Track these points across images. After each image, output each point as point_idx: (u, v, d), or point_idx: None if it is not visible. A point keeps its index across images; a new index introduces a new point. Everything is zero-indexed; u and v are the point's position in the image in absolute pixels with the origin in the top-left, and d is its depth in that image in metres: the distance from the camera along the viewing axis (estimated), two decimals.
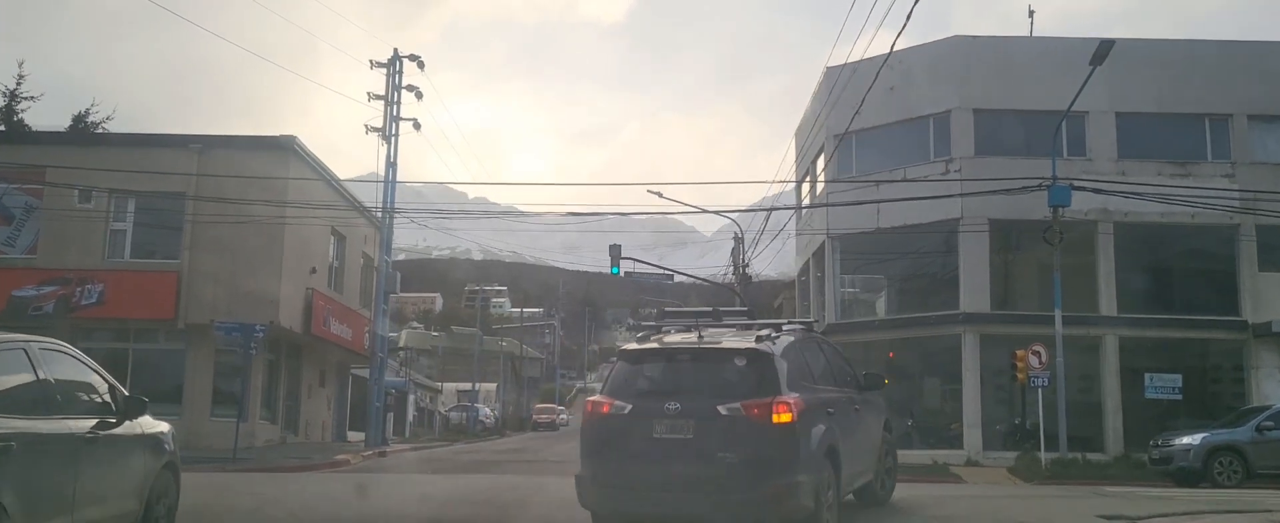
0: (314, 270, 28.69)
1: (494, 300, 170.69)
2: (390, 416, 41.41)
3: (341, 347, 32.00)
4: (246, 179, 25.48)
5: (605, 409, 8.74)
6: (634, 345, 9.38)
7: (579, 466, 9.02)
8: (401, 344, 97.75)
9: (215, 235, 25.94)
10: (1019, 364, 22.70)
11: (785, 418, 8.11)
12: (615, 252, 31.16)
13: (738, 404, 8.18)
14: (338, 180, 29.87)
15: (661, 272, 32.19)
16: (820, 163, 30.62)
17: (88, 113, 33.13)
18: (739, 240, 35.87)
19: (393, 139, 31.14)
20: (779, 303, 38.91)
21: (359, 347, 34.55)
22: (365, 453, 27.33)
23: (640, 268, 31.66)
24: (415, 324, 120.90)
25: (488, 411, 57.20)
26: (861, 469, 10.34)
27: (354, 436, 35.38)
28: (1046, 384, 22.33)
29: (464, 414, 55.11)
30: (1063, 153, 25.91)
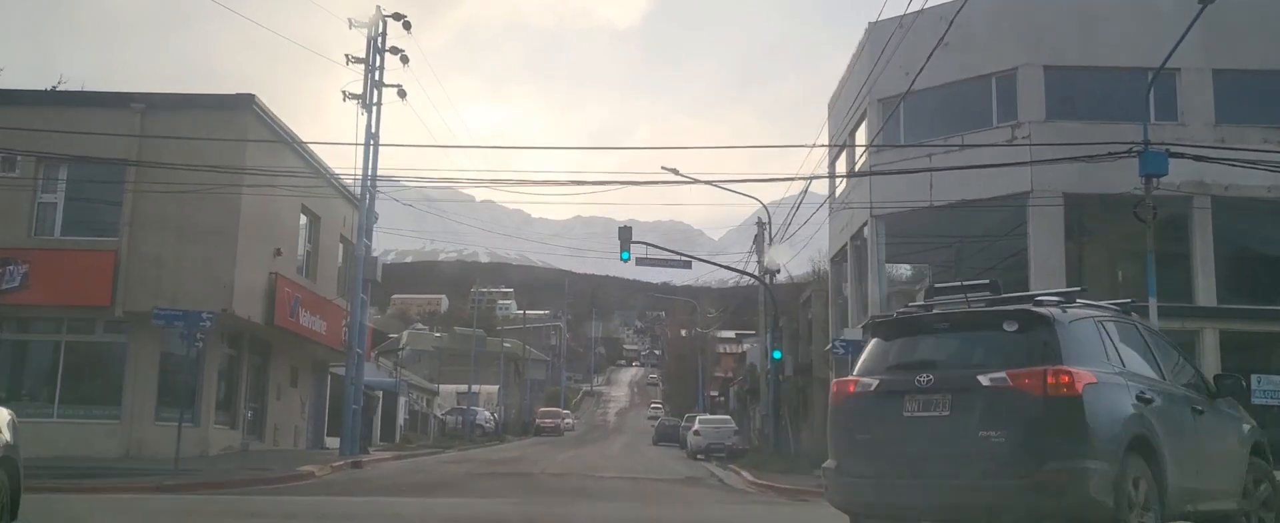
0: (279, 252, 24.67)
1: (500, 302, 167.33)
2: (376, 419, 37.42)
3: (316, 342, 27.98)
4: (197, 142, 21.52)
5: (851, 389, 7.78)
6: (884, 317, 8.53)
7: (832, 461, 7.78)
8: (403, 344, 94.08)
9: (160, 209, 21.97)
10: None
11: (1066, 390, 6.72)
12: (625, 236, 27.14)
13: (1003, 373, 6.93)
14: (308, 148, 25.81)
15: (676, 258, 28.14)
16: (861, 134, 26.58)
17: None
18: (764, 226, 31.78)
19: (374, 107, 27.18)
20: (806, 297, 34.78)
21: (337, 342, 30.61)
22: (337, 463, 23.29)
23: (653, 254, 27.64)
24: (420, 325, 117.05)
25: (487, 414, 53.20)
26: (1210, 489, 8.14)
27: (334, 442, 31.32)
28: None
29: (459, 418, 51.06)
30: (1150, 117, 21.83)
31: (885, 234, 24.71)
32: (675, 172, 28.63)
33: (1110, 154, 18.95)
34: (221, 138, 21.97)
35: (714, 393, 74.11)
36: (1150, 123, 21.02)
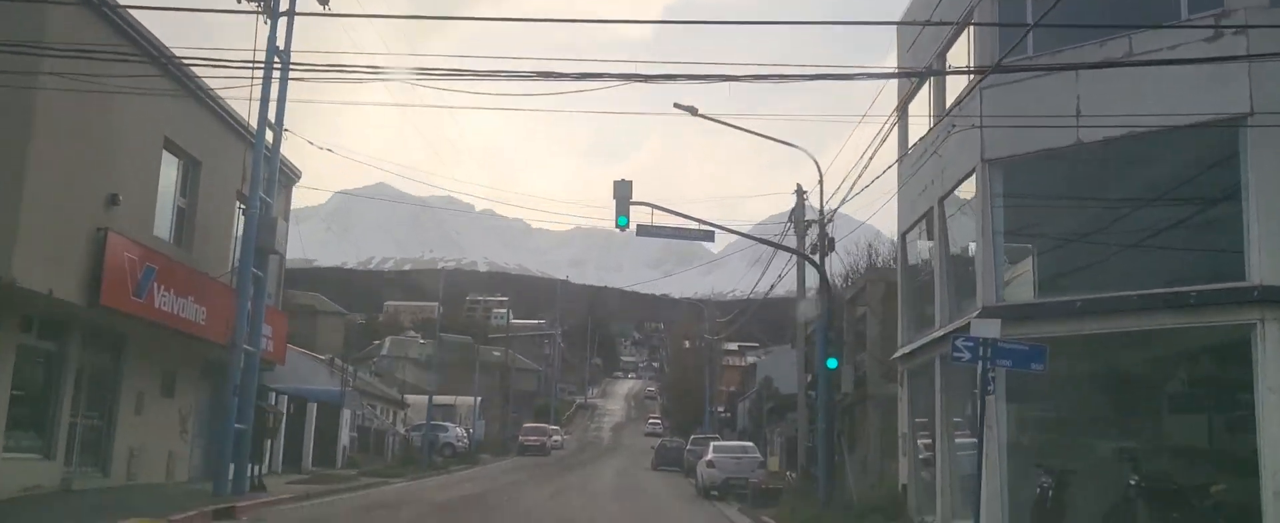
0: (116, 200, 16.53)
1: (495, 311, 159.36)
2: (306, 438, 29.20)
3: (199, 337, 19.85)
4: None
5: None
6: None
7: None
8: (384, 352, 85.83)
9: None
10: None
11: None
12: (623, 193, 19.03)
13: None
14: (169, 52, 17.62)
15: (687, 225, 19.96)
16: (956, 52, 18.50)
17: None
18: (802, 196, 23.62)
19: (283, 18, 19.12)
20: (856, 293, 26.52)
21: (279, 356, 22.83)
22: (189, 515, 15.16)
23: (660, 219, 19.47)
24: (412, 333, 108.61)
25: (460, 431, 44.99)
26: None
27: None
28: None
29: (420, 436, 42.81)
30: None
31: (1002, 184, 16.52)
32: (692, 111, 20.64)
33: None
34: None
35: (720, 408, 65.86)
36: None
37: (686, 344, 78.15)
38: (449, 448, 43.29)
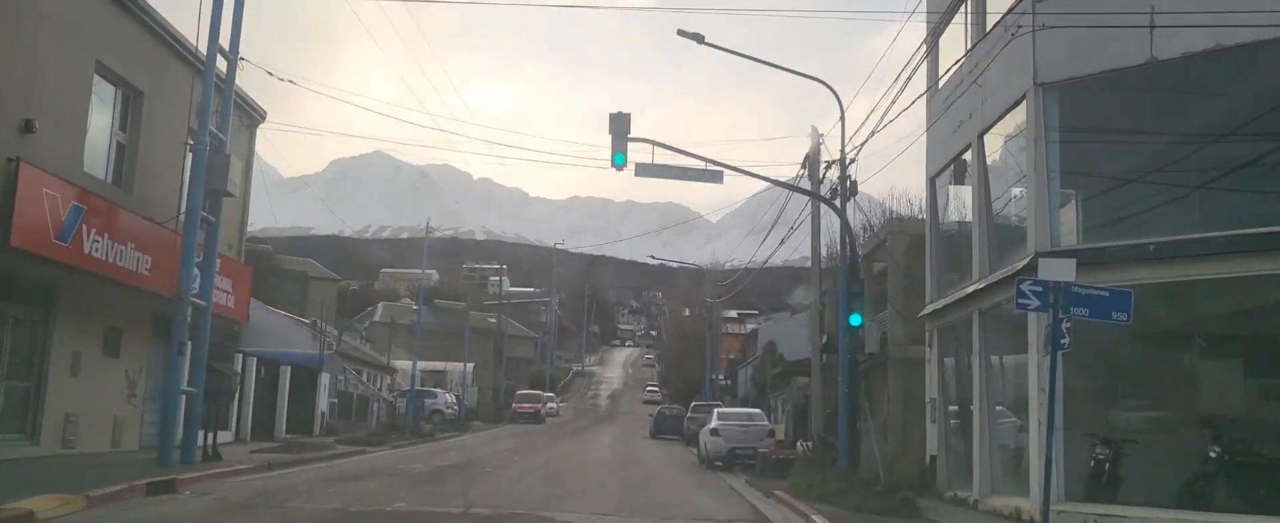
0: (30, 127, 14.21)
1: (491, 279, 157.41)
2: (280, 404, 27.06)
3: (147, 290, 17.61)
4: None
5: None
6: None
7: None
8: (376, 317, 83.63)
9: None
10: None
11: None
12: (619, 127, 16.69)
13: None
14: None
15: (693, 163, 17.61)
16: None
17: None
18: (819, 139, 21.26)
19: None
20: (876, 247, 24.22)
21: (240, 313, 20.67)
22: (133, 483, 13.02)
23: (661, 156, 17.13)
24: (407, 300, 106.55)
25: (450, 398, 42.84)
26: None
27: (225, 437, 21.16)
28: None
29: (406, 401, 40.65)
30: None
31: (1059, 115, 14.17)
32: (697, 38, 18.31)
33: None
34: None
35: (720, 376, 63.82)
36: None
37: (686, 312, 76.01)
38: (438, 415, 41.19)
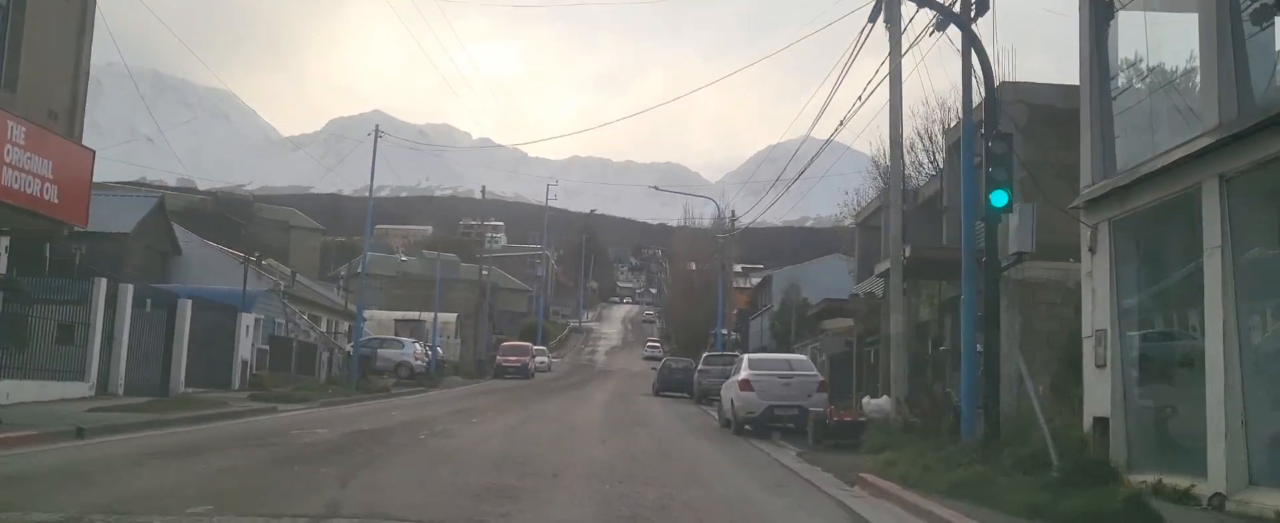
0: None
1: (490, 235, 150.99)
2: (178, 348, 20.40)
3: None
4: None
5: None
6: None
7: None
8: (360, 269, 77.10)
9: None
10: None
11: None
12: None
13: None
14: None
15: None
16: None
17: None
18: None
19: None
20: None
21: (75, 211, 14.05)
22: None
23: None
24: (403, 257, 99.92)
25: (419, 349, 36.22)
26: None
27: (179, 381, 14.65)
28: None
29: (373, 352, 34.00)
30: None
31: None
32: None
33: None
34: None
35: (725, 331, 57.18)
36: None
37: (692, 266, 69.08)
38: (406, 368, 34.53)
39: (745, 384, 17.77)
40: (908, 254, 14.78)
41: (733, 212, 39.30)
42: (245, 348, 23.86)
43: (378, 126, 33.09)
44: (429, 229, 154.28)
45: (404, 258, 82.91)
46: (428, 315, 50.84)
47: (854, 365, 24.17)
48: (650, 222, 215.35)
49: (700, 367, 31.30)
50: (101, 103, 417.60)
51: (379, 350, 34.85)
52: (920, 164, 25.88)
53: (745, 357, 18.93)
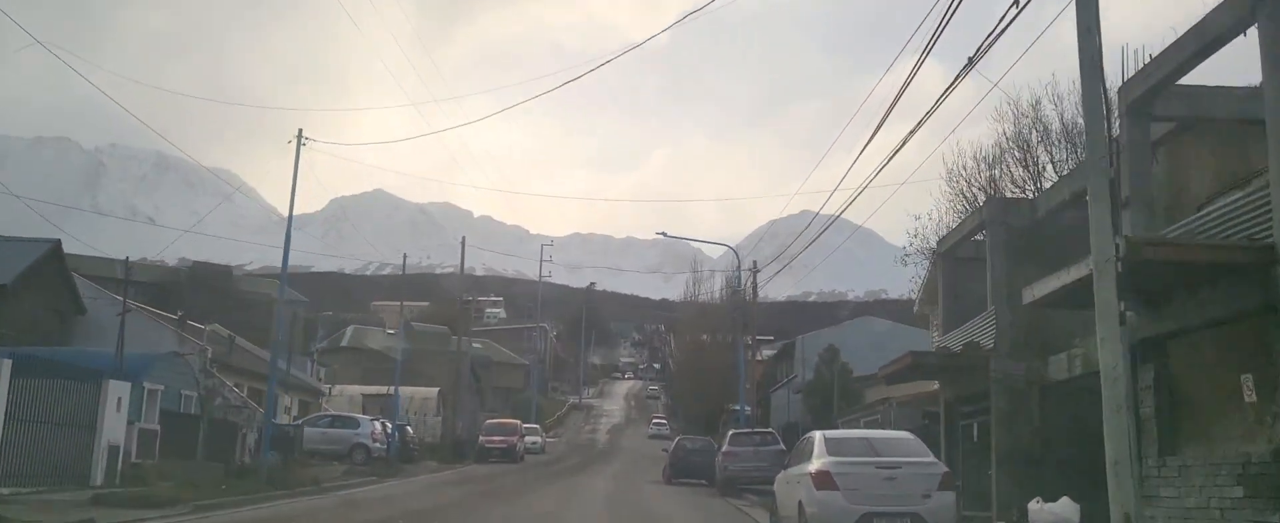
0: None
1: (488, 311, 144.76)
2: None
3: None
4: None
5: None
6: None
7: None
8: (344, 342, 70.43)
9: None
10: None
11: None
12: None
13: None
14: None
15: None
16: None
17: None
18: None
19: None
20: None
21: None
22: None
23: None
24: (390, 331, 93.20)
25: (378, 427, 29.28)
26: None
27: None
28: None
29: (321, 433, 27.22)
30: None
31: None
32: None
33: None
34: None
35: (735, 406, 50.30)
36: None
37: (704, 337, 61.92)
38: (361, 452, 27.71)
39: (824, 478, 11.08)
40: (1122, 251, 8.38)
41: (754, 265, 32.81)
42: (115, 428, 17.17)
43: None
44: (426, 304, 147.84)
45: (390, 332, 76.14)
46: (414, 391, 44.17)
47: (941, 444, 17.51)
48: (652, 297, 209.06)
49: (725, 447, 24.61)
50: (103, 183, 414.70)
51: (322, 429, 28.07)
52: (1016, 180, 19.56)
53: (818, 435, 12.15)
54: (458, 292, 71.72)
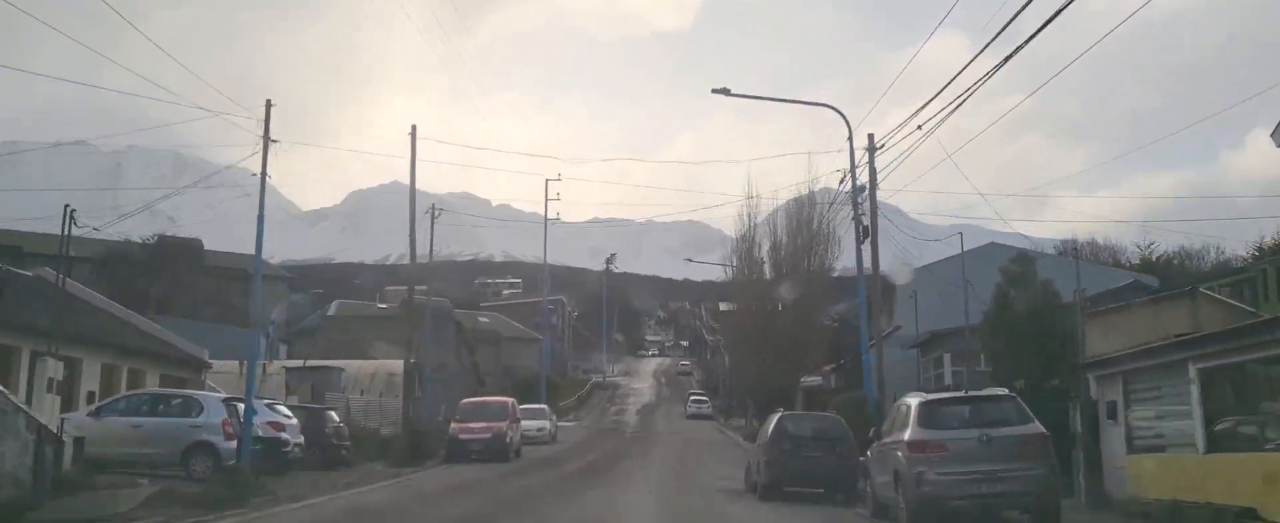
0: None
1: (505, 292, 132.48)
2: None
3: None
4: None
5: None
6: None
7: None
8: (330, 313, 57.93)
9: None
10: None
11: None
12: None
13: None
14: None
15: None
16: None
17: None
18: None
19: None
20: None
21: None
22: None
23: None
24: (382, 305, 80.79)
25: (286, 417, 16.50)
26: None
27: None
28: None
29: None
30: None
31: None
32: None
33: None
34: None
35: (812, 378, 37.11)
36: None
37: (781, 291, 47.34)
38: (206, 458, 14.85)
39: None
40: None
41: (871, 139, 19.45)
42: None
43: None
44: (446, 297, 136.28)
45: (382, 306, 63.28)
46: (356, 363, 31.44)
47: None
48: (675, 278, 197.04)
49: (910, 434, 11.37)
50: (122, 184, 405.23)
51: (131, 419, 15.17)
52: None
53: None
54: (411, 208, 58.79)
